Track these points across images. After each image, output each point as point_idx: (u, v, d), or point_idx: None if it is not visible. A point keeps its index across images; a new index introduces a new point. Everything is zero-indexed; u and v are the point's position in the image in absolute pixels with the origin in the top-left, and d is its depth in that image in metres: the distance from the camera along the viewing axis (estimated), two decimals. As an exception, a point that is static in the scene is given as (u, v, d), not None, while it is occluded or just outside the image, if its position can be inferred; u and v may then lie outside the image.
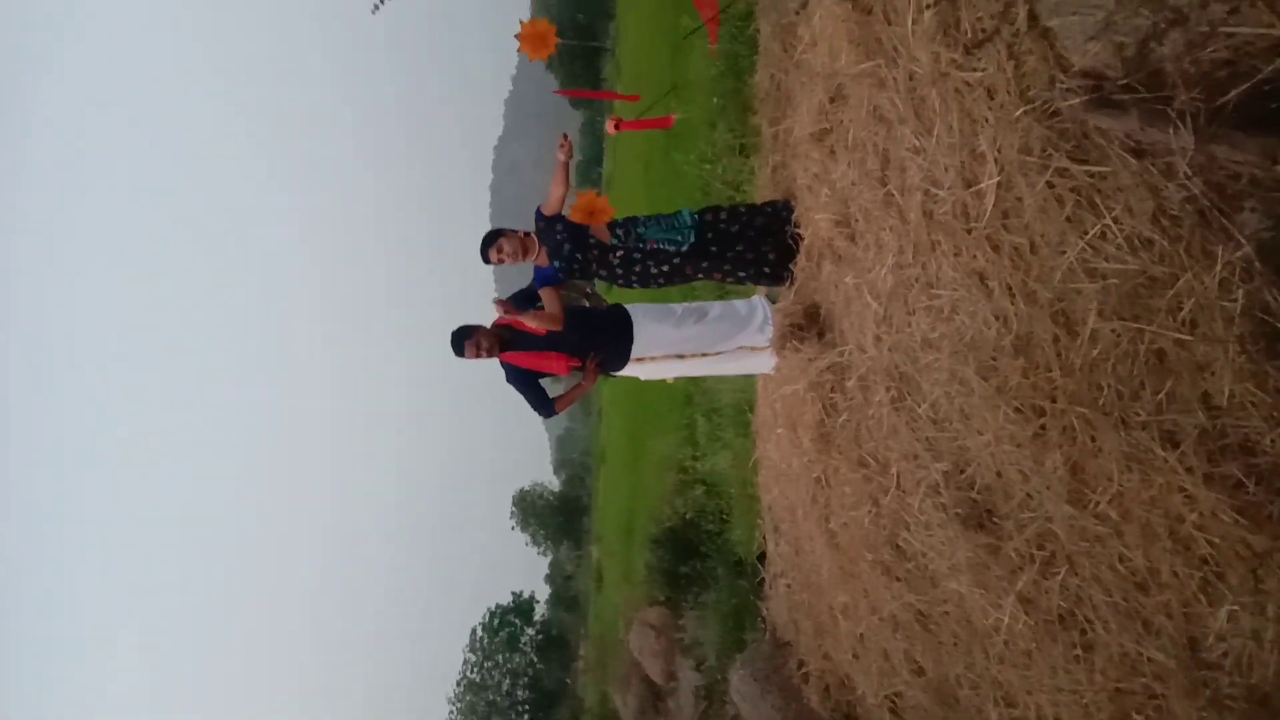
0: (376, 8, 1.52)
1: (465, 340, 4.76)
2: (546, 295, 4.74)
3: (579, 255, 4.67)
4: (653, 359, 4.94)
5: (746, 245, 4.67)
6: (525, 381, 4.85)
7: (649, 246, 4.63)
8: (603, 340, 4.85)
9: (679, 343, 4.91)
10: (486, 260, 4.77)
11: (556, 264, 4.71)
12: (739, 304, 5.10)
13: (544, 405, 4.88)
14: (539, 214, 4.83)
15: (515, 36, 11.77)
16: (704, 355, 4.97)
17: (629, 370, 5.03)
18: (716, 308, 5.06)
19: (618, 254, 4.66)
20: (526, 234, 4.82)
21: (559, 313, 4.69)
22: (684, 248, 4.62)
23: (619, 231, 4.67)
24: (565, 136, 4.83)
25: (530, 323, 4.62)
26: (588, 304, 5.10)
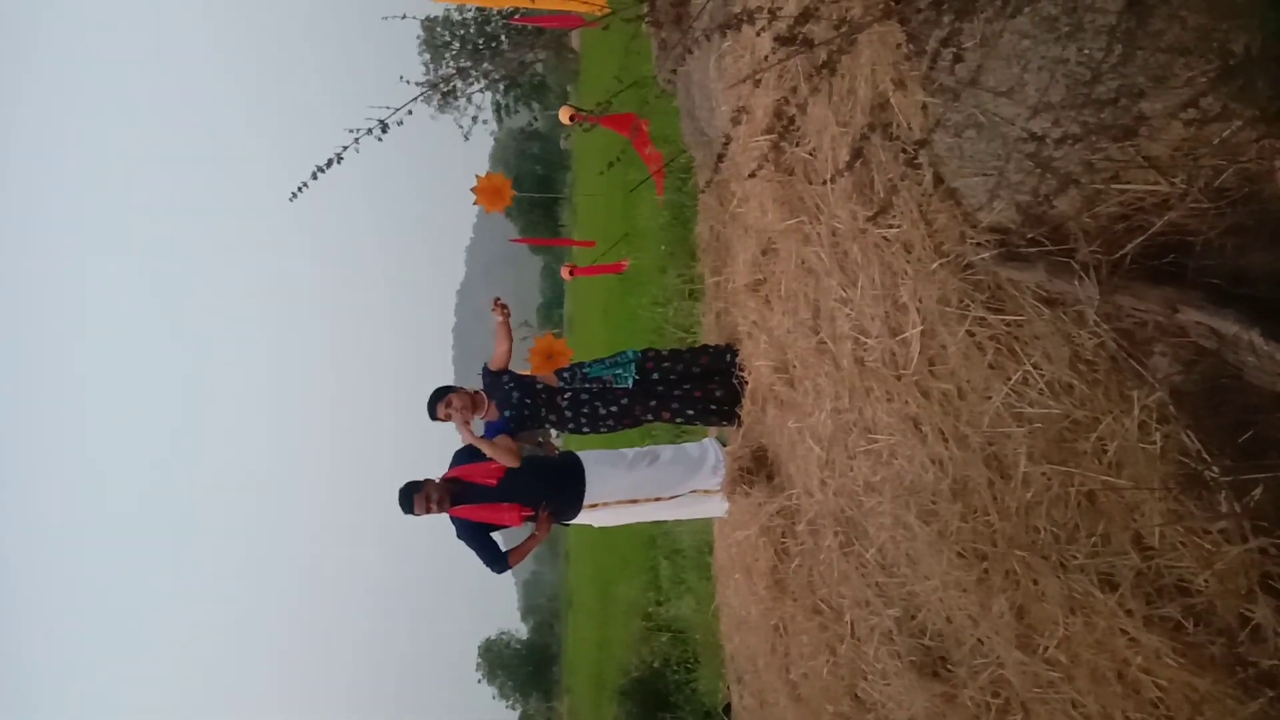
0: (294, 196, 1.56)
1: (414, 494, 4.68)
2: (501, 438, 4.73)
3: (528, 400, 4.69)
4: (606, 505, 4.90)
5: (693, 384, 4.74)
6: (476, 536, 4.75)
7: (594, 386, 4.69)
8: (555, 487, 4.80)
9: (631, 488, 4.88)
10: (434, 416, 4.76)
11: (507, 414, 4.72)
12: (690, 447, 5.12)
13: (496, 561, 4.78)
14: (486, 370, 4.88)
15: (471, 190, 12.00)
16: (657, 500, 4.94)
17: (582, 518, 4.97)
18: (668, 451, 5.07)
19: (565, 396, 4.70)
20: (476, 391, 4.85)
21: (515, 448, 4.66)
22: (628, 382, 4.67)
23: (565, 374, 4.75)
24: (497, 300, 4.94)
25: (487, 450, 4.57)
26: (540, 452, 5.08)
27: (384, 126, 1.72)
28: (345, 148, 1.71)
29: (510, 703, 49.62)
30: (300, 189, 1.72)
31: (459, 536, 4.78)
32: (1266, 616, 1.97)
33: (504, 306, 4.90)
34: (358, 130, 1.70)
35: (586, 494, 4.80)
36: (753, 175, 2.99)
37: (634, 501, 4.92)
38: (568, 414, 4.75)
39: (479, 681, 49.46)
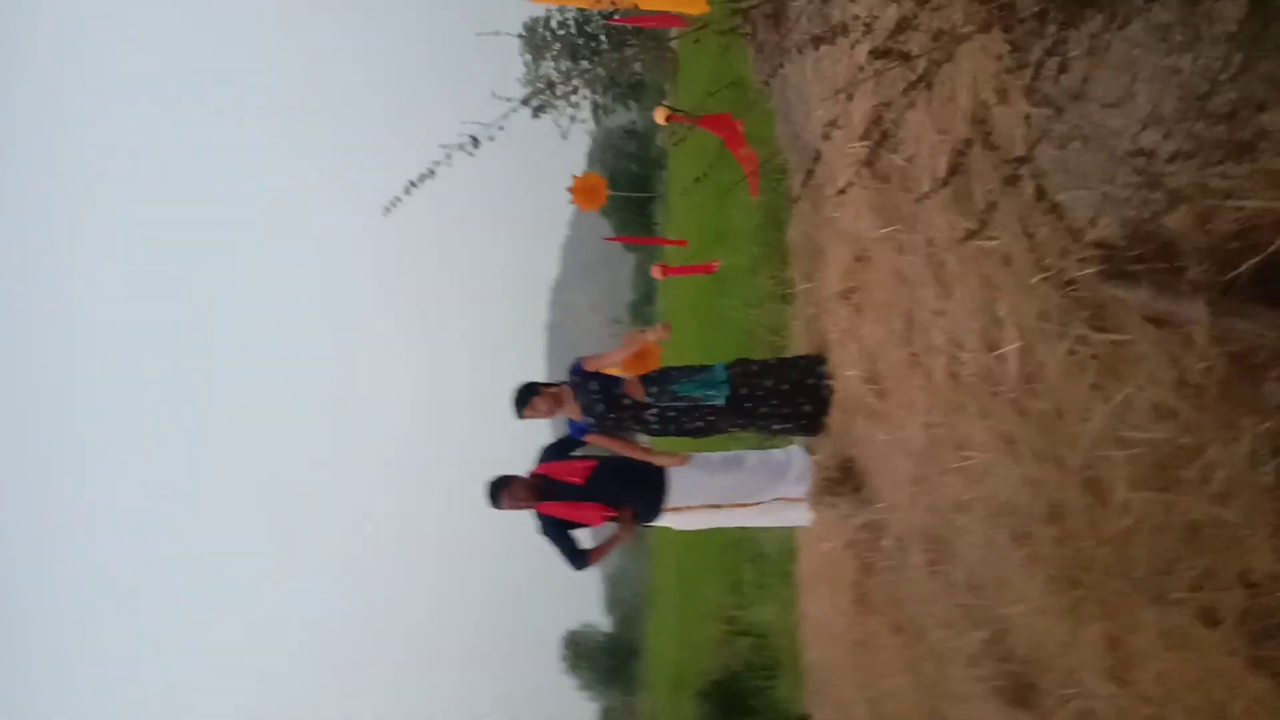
0: (389, 210, 1.60)
1: (501, 491, 4.76)
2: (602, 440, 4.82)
3: (613, 416, 4.66)
4: (688, 508, 4.88)
5: (781, 400, 4.64)
6: (558, 532, 4.80)
7: (683, 404, 4.62)
8: (638, 489, 4.81)
9: (714, 492, 4.85)
10: (520, 415, 4.79)
11: (590, 421, 4.72)
12: (776, 454, 5.05)
13: (576, 558, 4.82)
14: (578, 367, 4.83)
15: (568, 190, 12.15)
16: (740, 505, 4.90)
17: (664, 520, 4.97)
18: (753, 457, 5.01)
19: (651, 412, 4.64)
20: (559, 386, 4.85)
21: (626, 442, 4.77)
22: (718, 402, 4.60)
23: (653, 389, 4.64)
24: (666, 326, 4.95)
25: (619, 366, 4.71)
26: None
27: (475, 141, 1.74)
28: (438, 163, 1.74)
29: (593, 695, 50.04)
30: (394, 203, 1.75)
31: (542, 532, 4.84)
32: (1384, 665, 1.85)
33: (666, 329, 4.92)
34: (450, 145, 1.73)
35: (669, 497, 4.80)
36: (842, 192, 2.94)
37: (716, 506, 4.89)
38: (654, 426, 4.73)
39: (563, 672, 50.02)
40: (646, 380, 4.64)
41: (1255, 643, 2.09)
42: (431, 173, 1.69)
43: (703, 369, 4.68)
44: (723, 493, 4.86)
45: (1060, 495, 2.61)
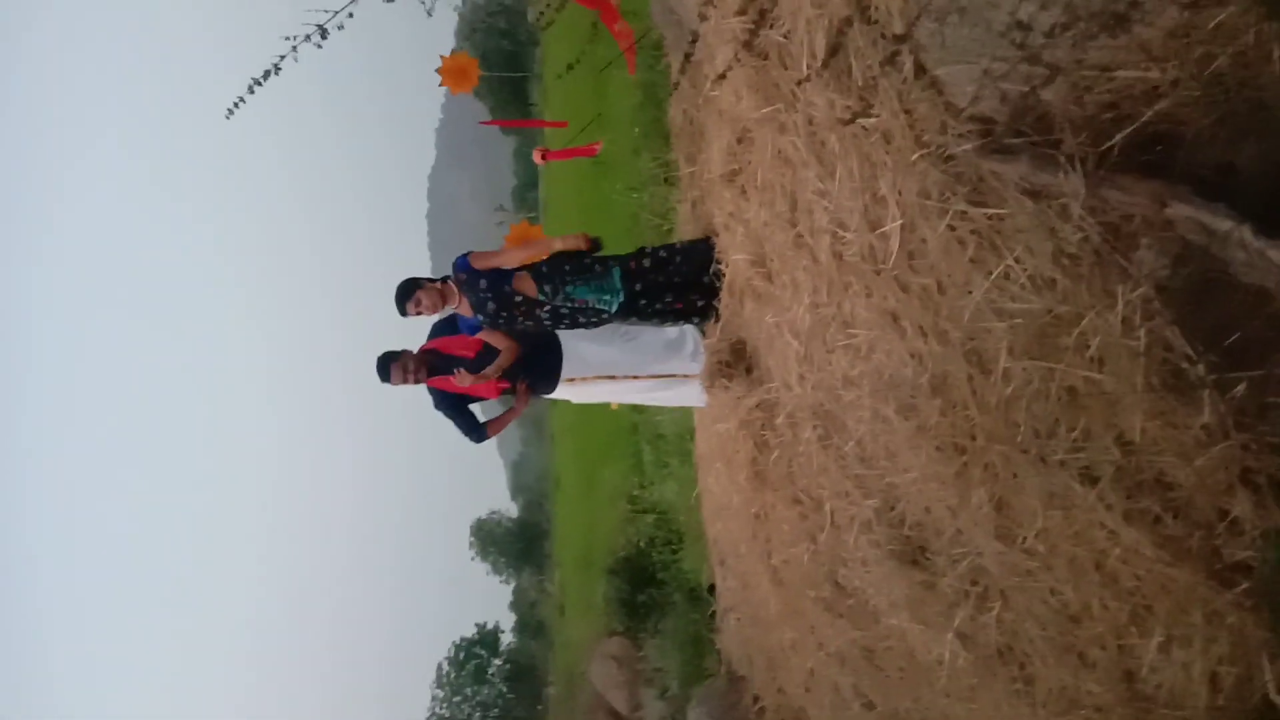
0: (230, 112, 1.44)
1: (391, 364, 4.66)
2: (489, 335, 4.69)
3: (504, 314, 4.54)
4: (584, 380, 4.88)
5: (675, 295, 4.61)
6: (454, 406, 4.79)
7: (577, 304, 4.54)
8: (532, 361, 4.78)
9: (608, 364, 4.84)
10: (404, 313, 4.64)
11: (480, 319, 4.60)
12: (669, 330, 5.03)
13: (474, 430, 4.83)
14: (465, 263, 4.64)
15: (436, 71, 11.56)
16: (635, 378, 4.90)
17: (560, 392, 4.96)
18: (648, 331, 4.98)
19: (545, 309, 4.54)
20: (444, 281, 4.70)
21: (512, 341, 4.66)
22: (613, 308, 4.54)
23: (546, 288, 4.49)
24: (584, 236, 4.75)
25: (494, 373, 4.58)
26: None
27: (323, 32, 1.59)
28: (283, 57, 1.58)
29: (504, 578, 51.05)
30: (237, 104, 1.60)
31: (436, 407, 4.81)
32: (1245, 510, 1.98)
33: (583, 239, 4.73)
34: (295, 38, 1.57)
35: (564, 368, 4.78)
36: (722, 77, 2.85)
37: (612, 378, 4.88)
38: (547, 324, 4.63)
39: (473, 559, 50.77)
40: (538, 276, 4.49)
41: (1129, 497, 2.21)
42: (276, 69, 1.53)
43: (598, 273, 4.54)
44: (616, 364, 4.84)
45: (944, 367, 2.67)
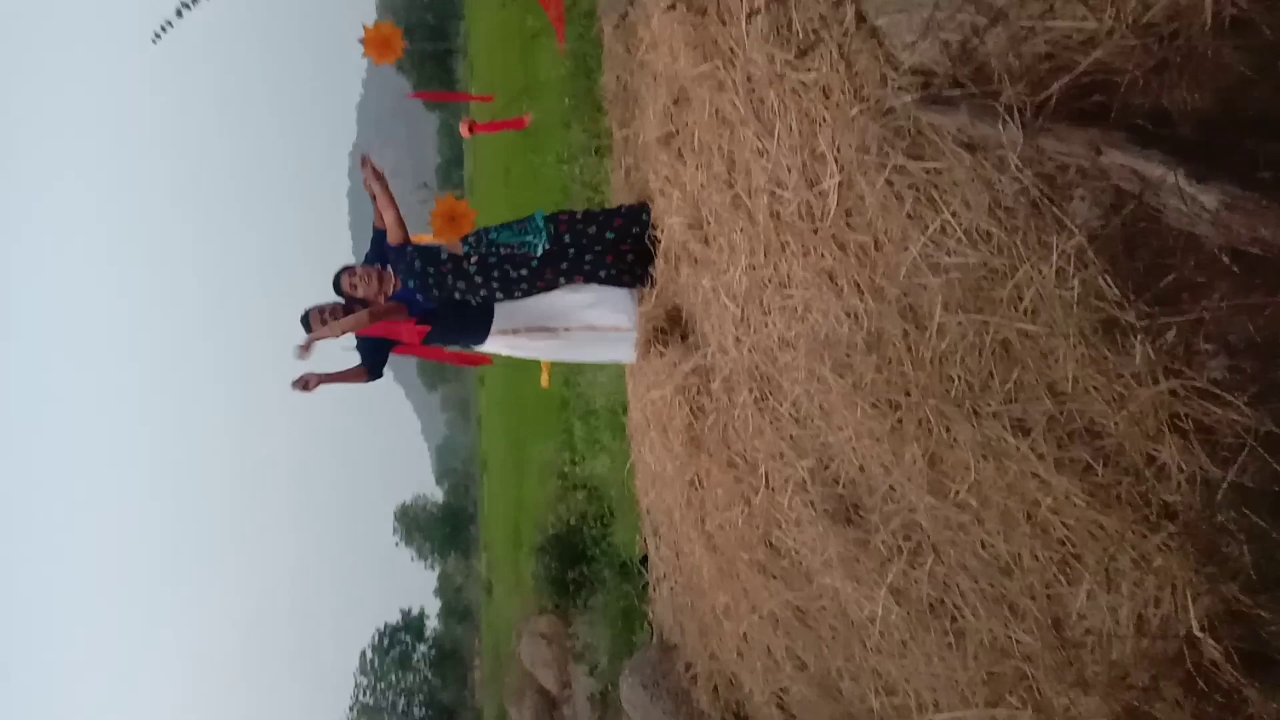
0: (157, 37, 1.37)
1: (311, 312, 4.61)
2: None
3: (431, 269, 4.49)
4: (514, 332, 4.80)
5: (605, 247, 4.59)
6: (372, 347, 4.72)
7: (503, 251, 4.51)
8: (461, 310, 4.70)
9: (538, 315, 4.76)
10: (339, 292, 4.57)
11: (411, 283, 4.54)
12: (594, 284, 4.95)
13: (375, 369, 4.75)
14: (388, 247, 4.62)
15: (360, 41, 11.33)
16: (568, 330, 4.82)
17: (491, 345, 4.87)
18: (578, 285, 4.91)
19: (472, 260, 4.50)
20: (381, 268, 4.66)
21: (393, 306, 4.58)
22: (539, 250, 4.51)
23: (470, 239, 4.53)
24: (365, 159, 4.66)
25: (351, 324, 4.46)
26: None
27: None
28: (208, -22, 1.50)
29: (429, 563, 50.62)
30: (164, 28, 1.51)
31: (358, 349, 4.74)
32: (1172, 455, 2.02)
33: (375, 170, 4.62)
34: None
35: (495, 320, 4.71)
36: (672, 7, 2.81)
37: (541, 329, 4.79)
38: (477, 279, 4.58)
39: (397, 545, 50.23)
40: (464, 240, 4.51)
41: (1061, 446, 2.25)
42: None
43: (521, 220, 4.57)
44: (547, 315, 4.77)
45: (879, 325, 2.69)
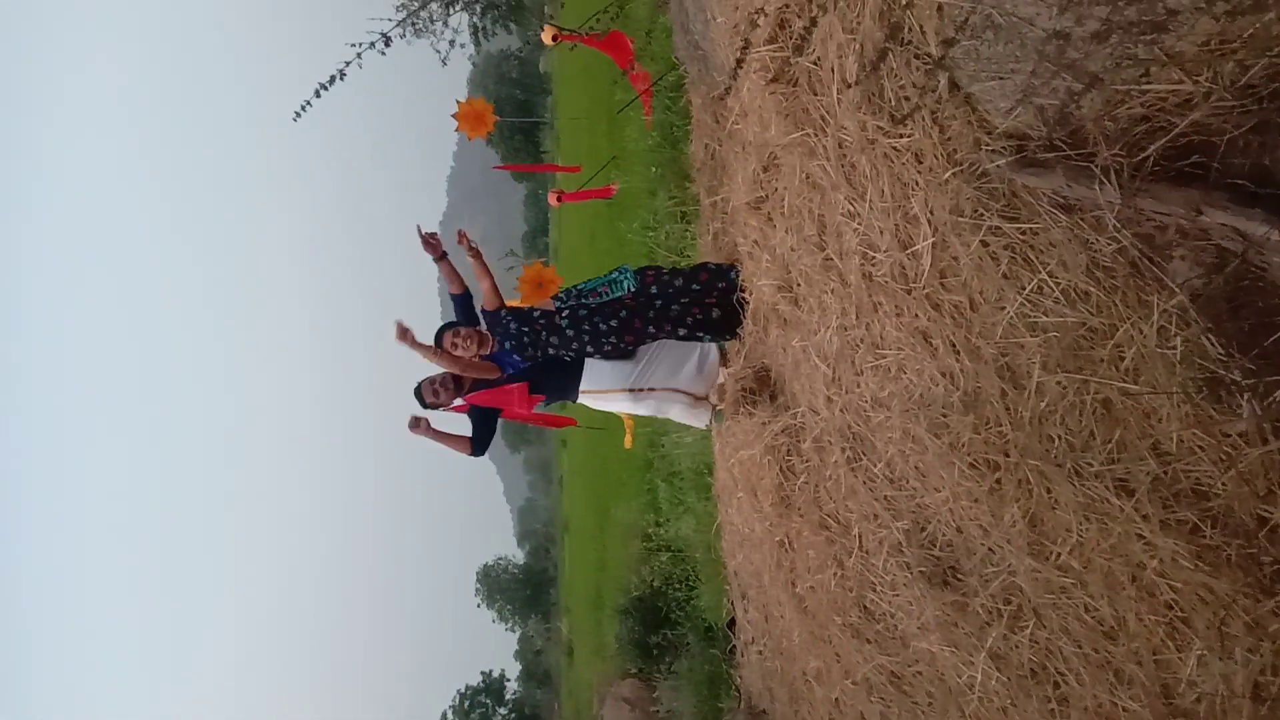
0: (298, 115, 1.51)
1: (423, 384, 4.89)
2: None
3: (525, 329, 4.69)
4: (600, 392, 4.96)
5: (692, 299, 4.72)
6: (482, 416, 4.92)
7: (591, 301, 4.69)
8: (551, 369, 4.88)
9: (623, 377, 4.90)
10: (439, 344, 4.79)
11: (508, 345, 4.75)
12: (685, 346, 5.05)
13: (480, 443, 4.93)
14: (484, 312, 4.91)
15: (453, 116, 11.80)
16: (652, 390, 4.94)
17: (586, 400, 5.03)
18: (664, 347, 5.02)
19: (563, 315, 4.71)
20: (481, 330, 4.89)
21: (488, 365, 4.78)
22: (625, 289, 4.67)
23: (560, 295, 4.78)
24: (461, 233, 4.89)
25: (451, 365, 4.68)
26: None
27: (387, 40, 1.66)
28: (348, 63, 1.65)
29: (510, 625, 50.65)
30: (304, 107, 1.66)
31: (471, 416, 4.97)
32: (1285, 516, 1.98)
33: (471, 244, 4.86)
34: (360, 45, 1.64)
35: (584, 379, 4.90)
36: (774, 80, 2.91)
37: (626, 390, 4.92)
38: (569, 333, 4.74)
39: (479, 606, 50.41)
40: (554, 297, 4.75)
41: (1166, 507, 2.22)
42: (342, 74, 1.60)
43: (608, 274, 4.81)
44: (631, 378, 4.90)
45: (976, 384, 2.70)
